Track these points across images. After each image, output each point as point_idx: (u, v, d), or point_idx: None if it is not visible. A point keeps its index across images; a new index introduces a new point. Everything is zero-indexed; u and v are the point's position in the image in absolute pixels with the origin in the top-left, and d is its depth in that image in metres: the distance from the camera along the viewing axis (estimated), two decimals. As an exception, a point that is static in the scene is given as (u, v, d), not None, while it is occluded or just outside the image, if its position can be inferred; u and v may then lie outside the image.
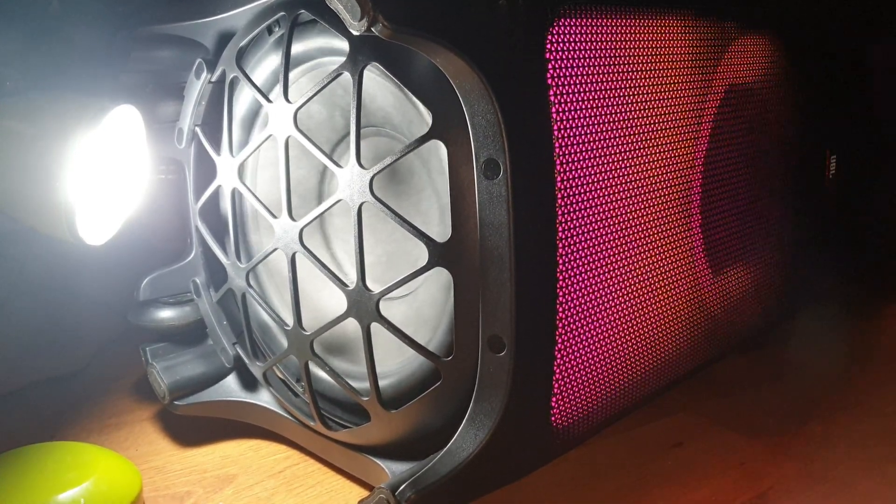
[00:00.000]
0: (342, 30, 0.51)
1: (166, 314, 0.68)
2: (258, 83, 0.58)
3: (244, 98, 0.62)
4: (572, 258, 0.52)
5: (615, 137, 0.54)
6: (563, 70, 0.50)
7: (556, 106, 0.50)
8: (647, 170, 0.58)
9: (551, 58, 0.49)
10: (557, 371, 0.53)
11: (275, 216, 0.56)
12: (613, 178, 0.54)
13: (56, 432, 0.69)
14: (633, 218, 0.57)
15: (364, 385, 0.55)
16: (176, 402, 0.65)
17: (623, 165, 0.55)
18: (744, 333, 0.76)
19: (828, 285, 0.87)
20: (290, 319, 0.57)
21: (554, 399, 0.53)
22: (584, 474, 0.61)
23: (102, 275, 0.76)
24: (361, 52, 0.50)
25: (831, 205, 0.84)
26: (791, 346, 0.83)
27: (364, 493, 0.60)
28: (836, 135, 0.84)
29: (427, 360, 0.52)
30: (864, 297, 0.96)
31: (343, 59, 0.52)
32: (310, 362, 0.57)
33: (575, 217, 0.51)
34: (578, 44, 0.51)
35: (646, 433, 0.67)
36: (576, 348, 0.54)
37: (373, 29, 0.42)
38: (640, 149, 0.57)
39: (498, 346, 0.49)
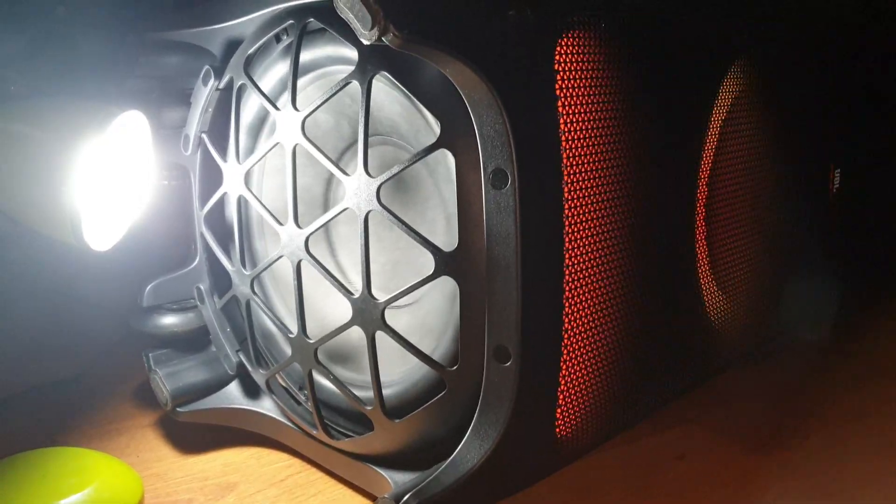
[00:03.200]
0: (352, 39, 0.51)
1: (169, 320, 0.68)
2: (266, 91, 0.59)
3: (251, 105, 0.62)
4: (579, 269, 0.52)
5: (623, 149, 0.54)
6: (572, 82, 0.50)
7: (565, 117, 0.50)
8: (653, 181, 0.58)
9: (560, 69, 0.50)
10: (563, 382, 0.53)
11: (281, 223, 0.56)
12: (620, 189, 0.54)
13: (57, 437, 0.69)
14: (639, 229, 0.57)
15: (367, 394, 0.55)
16: (178, 409, 0.65)
17: (630, 177, 0.55)
18: (747, 346, 0.76)
19: (832, 299, 0.87)
20: (294, 327, 0.57)
21: (559, 410, 0.53)
22: (587, 486, 0.61)
23: (106, 280, 0.76)
24: (370, 62, 0.50)
25: (836, 219, 0.84)
26: (794, 358, 0.83)
27: (367, 503, 0.60)
28: (841, 149, 0.84)
29: (431, 369, 0.52)
30: (868, 312, 0.96)
31: (345, 69, 0.52)
32: (313, 370, 0.57)
33: (582, 227, 0.51)
34: (587, 56, 0.51)
35: (648, 445, 0.67)
36: (581, 359, 0.53)
37: (383, 38, 0.42)
38: (646, 160, 0.57)
39: (504, 356, 0.49)
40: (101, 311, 0.82)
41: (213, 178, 0.63)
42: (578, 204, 0.51)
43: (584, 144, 0.51)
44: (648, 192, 0.58)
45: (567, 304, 0.51)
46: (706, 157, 0.64)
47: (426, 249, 0.49)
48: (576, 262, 0.51)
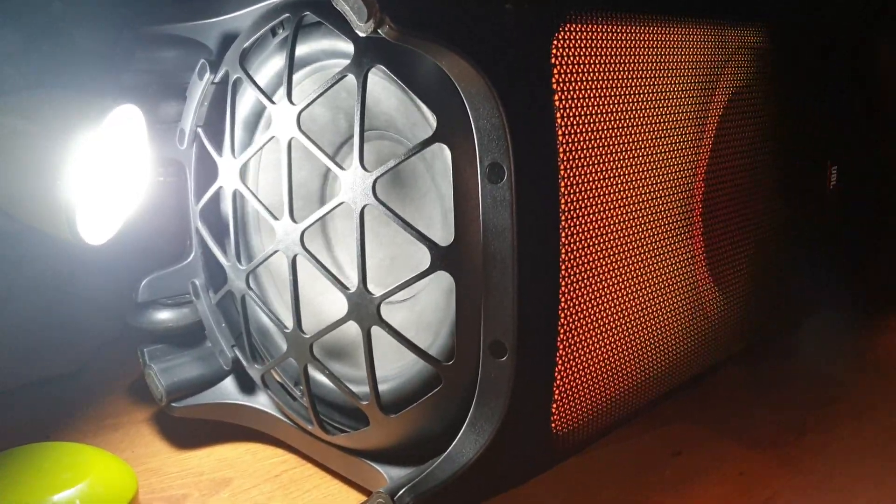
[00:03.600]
0: (347, 32, 0.51)
1: (165, 316, 0.68)
2: (262, 85, 0.58)
3: (247, 99, 0.61)
4: (575, 263, 0.51)
5: (619, 143, 0.54)
6: (569, 75, 0.50)
7: (561, 111, 0.50)
8: (650, 176, 0.58)
9: (557, 63, 0.49)
10: (558, 377, 0.52)
11: (276, 218, 0.56)
12: (616, 183, 0.54)
13: (52, 433, 0.69)
14: (636, 224, 0.57)
15: (363, 389, 0.55)
16: (173, 404, 0.65)
17: (626, 171, 0.55)
18: (744, 343, 0.76)
19: (828, 295, 0.87)
20: (290, 322, 0.57)
21: (554, 405, 0.53)
22: (583, 482, 0.61)
23: (101, 275, 0.76)
24: (366, 55, 0.50)
25: (833, 215, 0.84)
26: (791, 355, 0.83)
27: (362, 498, 0.60)
28: (838, 145, 0.84)
29: (427, 364, 0.52)
30: (864, 308, 0.96)
31: (341, 62, 0.52)
32: (309, 365, 0.57)
33: (578, 222, 0.51)
34: (584, 49, 0.51)
35: (645, 442, 0.67)
36: (577, 354, 0.53)
37: (379, 31, 0.42)
38: (643, 155, 0.57)
39: (499, 351, 0.48)
40: (96, 307, 0.82)
41: (208, 172, 0.63)
42: (575, 198, 0.51)
43: (581, 139, 0.51)
44: (645, 187, 0.57)
45: (563, 299, 0.51)
46: (704, 152, 0.64)
47: (422, 244, 0.49)
48: (572, 256, 0.51)
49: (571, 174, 0.51)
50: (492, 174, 0.47)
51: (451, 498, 0.51)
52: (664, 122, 0.60)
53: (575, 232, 0.51)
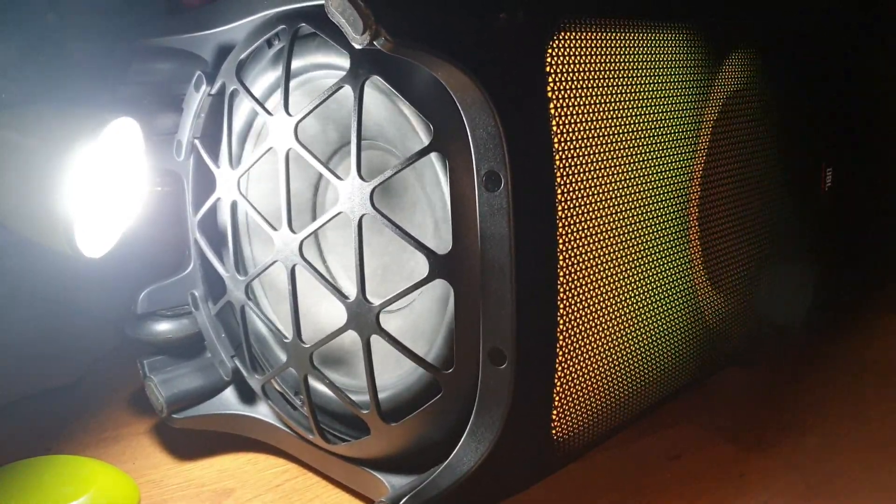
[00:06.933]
0: (343, 43, 0.51)
1: (164, 327, 0.68)
2: (258, 96, 0.59)
3: (243, 111, 0.62)
4: (573, 270, 0.52)
5: (615, 150, 0.54)
6: (563, 83, 0.50)
7: (557, 119, 0.50)
8: (646, 182, 0.58)
9: (551, 71, 0.50)
10: (558, 384, 0.53)
11: (275, 228, 0.56)
12: (613, 189, 0.54)
13: (53, 445, 0.69)
14: (633, 230, 0.57)
15: (363, 398, 0.55)
16: (174, 416, 0.65)
17: (622, 177, 0.56)
18: (742, 346, 0.76)
19: (824, 297, 0.87)
20: (288, 332, 0.57)
21: (554, 412, 0.53)
22: (584, 487, 0.61)
23: (100, 287, 0.76)
24: (362, 66, 0.50)
25: (827, 217, 0.85)
26: (788, 358, 0.83)
27: (363, 506, 0.60)
28: (833, 148, 0.84)
29: (427, 372, 0.52)
30: (860, 310, 0.97)
31: (335, 73, 0.52)
32: (309, 375, 0.57)
33: (575, 229, 0.51)
34: (578, 58, 0.51)
35: (644, 446, 0.67)
36: (576, 361, 0.53)
37: (375, 42, 0.42)
38: (639, 161, 0.57)
39: (499, 358, 0.49)
40: (96, 319, 0.82)
41: (206, 183, 0.63)
42: (572, 205, 0.51)
43: (577, 146, 0.51)
44: (641, 193, 0.58)
45: (562, 306, 0.51)
46: (699, 156, 0.64)
47: (420, 253, 0.49)
48: (570, 263, 0.51)
49: (568, 181, 0.51)
50: (488, 182, 0.47)
51: (453, 505, 0.51)
52: (659, 127, 0.60)
53: (572, 239, 0.51)
